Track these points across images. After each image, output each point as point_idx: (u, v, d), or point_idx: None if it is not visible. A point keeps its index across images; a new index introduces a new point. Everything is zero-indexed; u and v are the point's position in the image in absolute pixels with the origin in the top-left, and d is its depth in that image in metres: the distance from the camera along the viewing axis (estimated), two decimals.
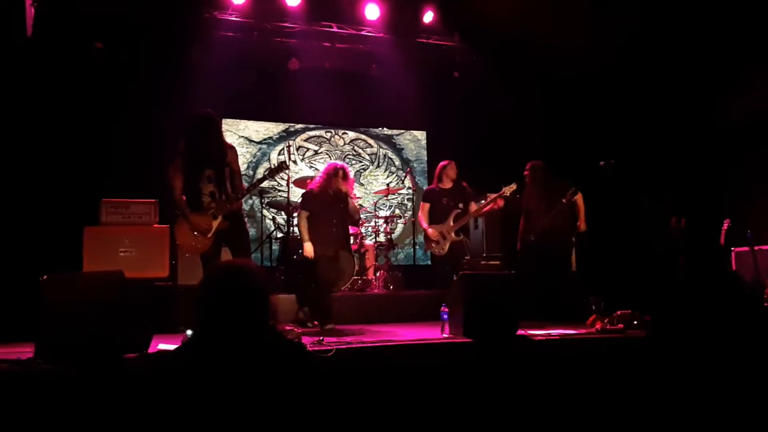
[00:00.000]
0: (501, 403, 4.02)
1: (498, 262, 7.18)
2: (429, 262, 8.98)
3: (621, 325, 4.85)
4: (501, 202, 6.41)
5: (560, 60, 7.63)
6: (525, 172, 6.51)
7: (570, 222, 6.32)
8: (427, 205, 6.50)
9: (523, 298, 6.08)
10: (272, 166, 5.32)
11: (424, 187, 9.43)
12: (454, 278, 6.05)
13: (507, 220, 7.23)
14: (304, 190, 5.99)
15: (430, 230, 6.37)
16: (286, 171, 5.38)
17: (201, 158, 4.71)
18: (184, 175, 4.69)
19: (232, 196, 4.82)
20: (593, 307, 5.45)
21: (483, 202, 6.48)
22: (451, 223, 6.31)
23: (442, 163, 6.56)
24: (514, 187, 6.32)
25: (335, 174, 5.69)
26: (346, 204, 5.77)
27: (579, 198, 6.30)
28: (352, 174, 5.89)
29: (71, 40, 7.01)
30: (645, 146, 7.50)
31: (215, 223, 4.71)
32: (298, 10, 7.85)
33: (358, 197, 6.53)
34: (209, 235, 4.69)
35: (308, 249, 5.58)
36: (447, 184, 6.45)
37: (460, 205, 6.37)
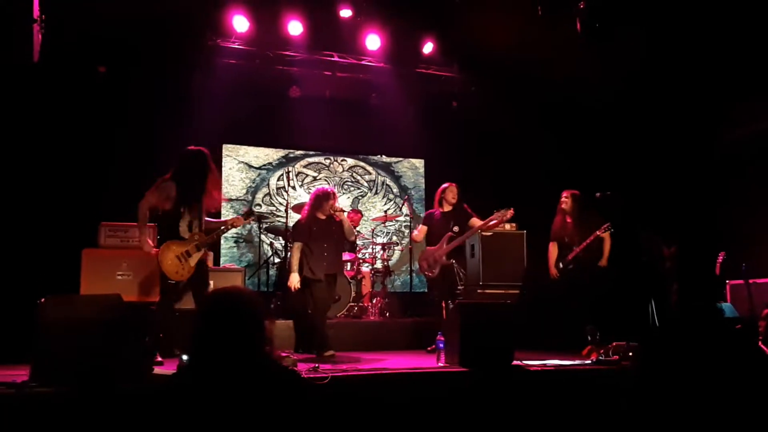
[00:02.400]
0: None
1: (495, 291, 7.16)
2: (425, 290, 9.01)
3: (616, 357, 4.85)
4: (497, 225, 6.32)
5: (558, 90, 7.73)
6: (563, 200, 6.43)
7: (597, 255, 6.30)
8: (424, 228, 6.42)
9: (550, 326, 6.17)
10: (246, 211, 5.50)
11: (422, 215, 9.50)
12: (444, 305, 6.08)
13: (503, 247, 7.24)
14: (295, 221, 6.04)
15: (416, 233, 6.44)
16: (253, 220, 5.54)
17: (190, 191, 4.88)
18: (171, 204, 4.84)
19: (205, 231, 5.01)
20: (589, 338, 5.45)
21: (476, 226, 6.32)
22: (444, 246, 6.21)
23: (441, 187, 6.48)
24: (508, 214, 6.14)
25: (325, 198, 5.71)
26: (339, 227, 5.76)
27: (608, 234, 6.28)
28: (340, 199, 5.92)
29: (75, 65, 7.10)
30: (642, 176, 7.57)
31: (199, 254, 4.92)
32: (300, 39, 7.96)
33: (346, 210, 6.37)
34: (193, 264, 4.86)
35: (293, 279, 5.61)
36: (447, 208, 6.36)
37: (455, 228, 6.26)
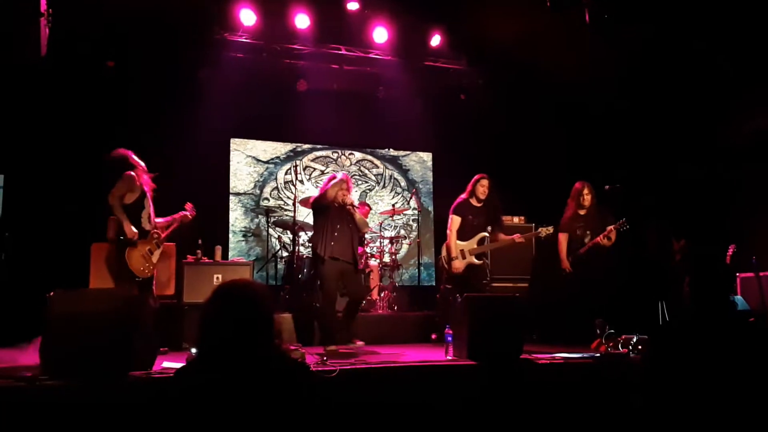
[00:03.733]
0: (504, 426, 4.01)
1: (503, 285, 7.16)
2: (433, 283, 9.01)
3: (625, 350, 4.83)
4: (521, 239, 6.24)
5: (567, 84, 7.68)
6: (585, 195, 6.32)
7: (606, 249, 6.24)
8: (458, 219, 6.09)
9: (571, 318, 6.04)
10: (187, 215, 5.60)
11: (429, 208, 9.48)
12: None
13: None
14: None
15: (453, 249, 6.07)
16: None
17: (143, 190, 5.10)
18: (132, 198, 5.04)
19: (156, 229, 5.25)
20: (597, 331, 5.43)
21: (514, 237, 6.22)
22: (475, 246, 6.08)
23: (476, 177, 6.20)
24: (551, 230, 6.18)
25: (337, 184, 5.62)
26: (352, 216, 5.66)
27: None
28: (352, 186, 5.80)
29: (82, 60, 7.11)
30: (651, 170, 7.52)
31: (159, 251, 5.22)
32: (308, 33, 7.94)
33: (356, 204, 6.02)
34: (155, 261, 5.16)
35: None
36: (478, 201, 6.15)
37: (488, 228, 6.11)
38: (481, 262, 6.14)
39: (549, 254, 6.69)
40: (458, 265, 6.04)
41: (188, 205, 5.61)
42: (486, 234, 6.11)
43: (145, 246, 5.06)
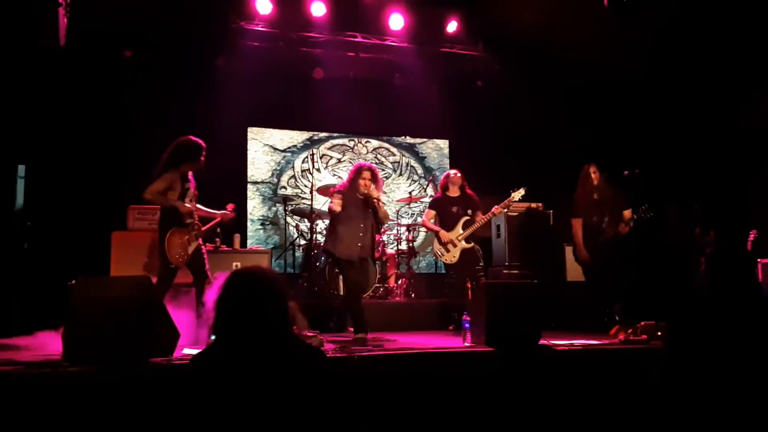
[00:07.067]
0: (522, 413, 4.00)
1: (521, 271, 7.11)
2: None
3: (644, 336, 4.79)
4: (500, 209, 6.36)
5: (584, 69, 7.60)
6: (593, 175, 6.20)
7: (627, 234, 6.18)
8: (432, 212, 6.45)
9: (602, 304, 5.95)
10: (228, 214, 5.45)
11: None
12: (469, 286, 6.07)
13: (529, 227, 7.19)
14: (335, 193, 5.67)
15: (441, 231, 6.33)
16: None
17: (187, 179, 5.04)
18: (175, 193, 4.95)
19: (197, 221, 5.11)
20: (616, 318, 5.39)
21: (493, 210, 6.31)
22: (461, 231, 6.26)
23: (446, 173, 6.64)
24: (522, 192, 6.34)
25: (359, 174, 5.42)
26: (375, 209, 5.47)
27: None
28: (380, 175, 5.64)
29: (100, 49, 7.16)
30: (671, 155, 7.43)
31: (196, 243, 5.03)
32: (324, 20, 7.93)
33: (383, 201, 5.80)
34: (190, 252, 4.97)
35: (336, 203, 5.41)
36: (454, 192, 6.42)
37: (469, 212, 6.33)
38: (471, 245, 6.30)
39: (568, 241, 6.63)
40: (453, 254, 6.29)
41: (230, 206, 5.46)
42: (468, 217, 6.33)
43: (184, 235, 4.94)
